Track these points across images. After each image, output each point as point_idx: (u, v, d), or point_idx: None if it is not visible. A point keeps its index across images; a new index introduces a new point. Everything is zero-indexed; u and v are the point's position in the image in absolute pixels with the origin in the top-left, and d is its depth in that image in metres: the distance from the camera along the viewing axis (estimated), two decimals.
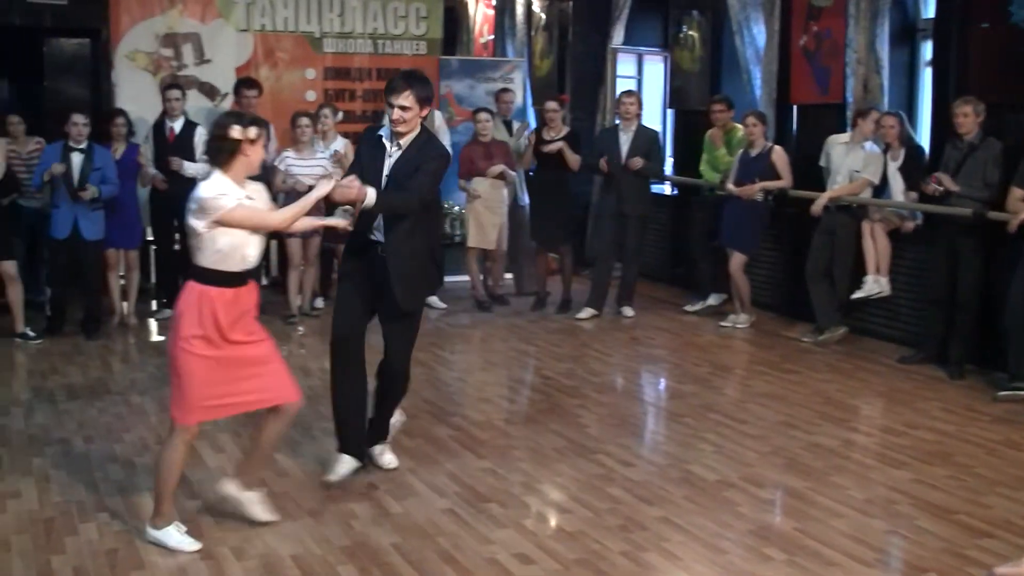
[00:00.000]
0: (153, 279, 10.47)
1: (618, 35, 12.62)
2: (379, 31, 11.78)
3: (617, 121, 10.37)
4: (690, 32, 11.96)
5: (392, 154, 5.67)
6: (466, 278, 10.87)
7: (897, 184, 8.75)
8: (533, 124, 12.11)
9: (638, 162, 9.88)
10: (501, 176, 10.36)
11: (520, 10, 13.71)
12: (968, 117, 7.83)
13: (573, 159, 10.15)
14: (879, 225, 8.78)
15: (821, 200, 8.96)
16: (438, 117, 10.70)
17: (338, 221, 5.55)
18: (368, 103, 11.44)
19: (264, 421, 5.13)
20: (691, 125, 11.90)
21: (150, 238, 10.28)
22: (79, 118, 8.99)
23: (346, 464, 5.81)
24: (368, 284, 5.75)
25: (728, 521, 5.29)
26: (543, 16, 13.76)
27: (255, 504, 5.22)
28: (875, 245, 8.76)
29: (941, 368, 8.20)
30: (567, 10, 13.24)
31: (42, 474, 5.91)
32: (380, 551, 4.91)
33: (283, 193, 9.25)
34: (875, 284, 8.77)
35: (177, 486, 5.11)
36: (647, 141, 10.08)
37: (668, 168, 12.33)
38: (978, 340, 8.10)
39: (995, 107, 7.93)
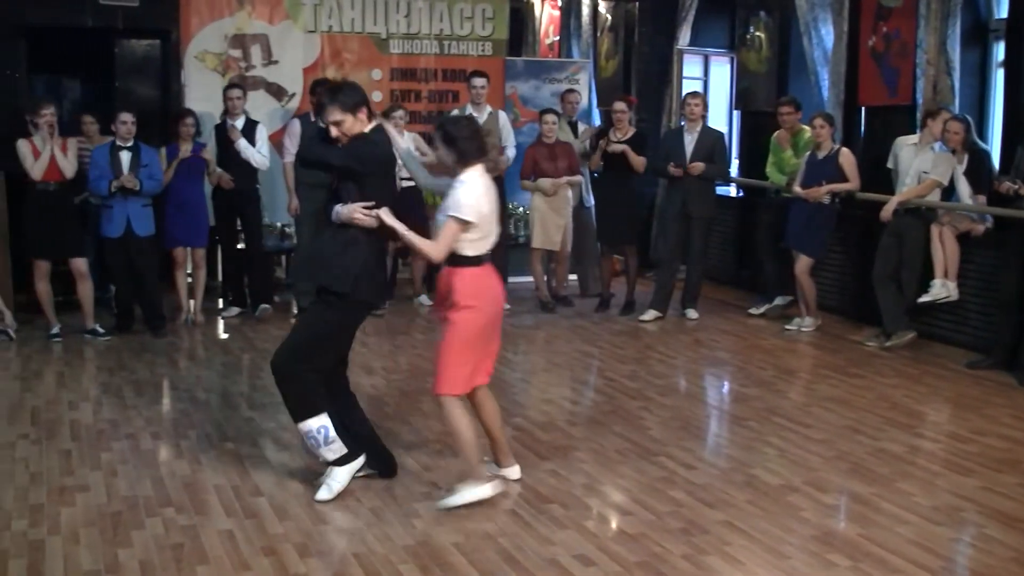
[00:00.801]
0: (219, 277, 10.58)
1: (684, 36, 12.58)
2: (445, 32, 11.82)
3: (682, 122, 10.33)
4: (757, 33, 11.87)
5: None
6: (530, 279, 10.89)
7: (964, 188, 8.63)
8: (596, 124, 12.10)
9: (699, 167, 9.83)
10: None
11: (586, 11, 13.70)
12: None
13: (638, 161, 10.13)
14: (948, 228, 8.66)
15: (890, 205, 8.86)
16: (502, 117, 10.72)
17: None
18: (433, 104, 11.49)
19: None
20: (758, 127, 11.82)
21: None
22: (126, 116, 9.13)
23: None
24: None
25: (791, 526, 5.25)
26: (609, 17, 13.74)
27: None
28: (944, 249, 8.64)
29: (1010, 374, 8.08)
30: (633, 11, 13.21)
31: (110, 468, 6.00)
32: (442, 551, 4.93)
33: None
34: (943, 288, 8.65)
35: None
36: (712, 142, 10.03)
37: (734, 170, 12.26)
38: None
39: None
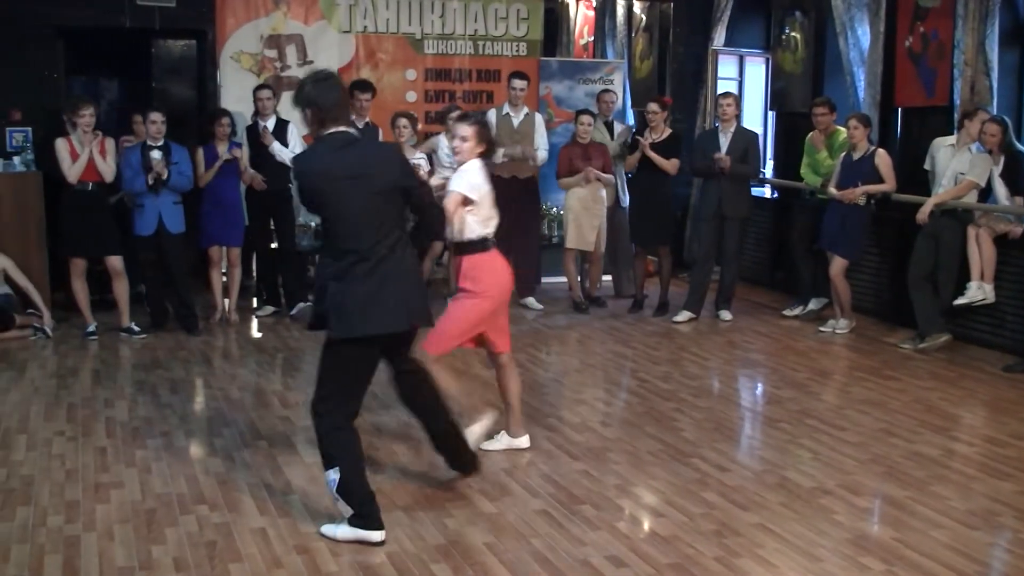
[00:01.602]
0: (254, 276, 10.64)
1: (719, 36, 12.53)
2: (479, 32, 11.83)
3: (717, 123, 10.30)
4: (793, 33, 11.82)
5: None
6: (564, 279, 10.88)
7: (1001, 190, 8.56)
8: (630, 123, 12.08)
9: (726, 160, 9.79)
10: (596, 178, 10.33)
11: (621, 11, 13.68)
12: None
13: (668, 163, 10.09)
14: (984, 230, 8.59)
15: (926, 207, 8.80)
16: (538, 119, 10.70)
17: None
18: (468, 104, 11.49)
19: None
20: (793, 127, 11.77)
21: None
22: (156, 116, 9.21)
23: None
24: None
25: (824, 529, 5.22)
26: (644, 17, 13.71)
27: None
28: (980, 251, 8.57)
29: None
30: (668, 11, 13.18)
31: (145, 466, 6.04)
32: (474, 550, 4.94)
33: None
34: (979, 290, 8.59)
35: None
36: (745, 142, 9.99)
37: (769, 171, 12.21)
38: None
39: None
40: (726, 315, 10.22)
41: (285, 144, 9.82)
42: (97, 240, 9.10)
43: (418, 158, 9.91)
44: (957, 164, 8.74)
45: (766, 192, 12.34)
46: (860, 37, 10.28)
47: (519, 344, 9.05)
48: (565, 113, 11.87)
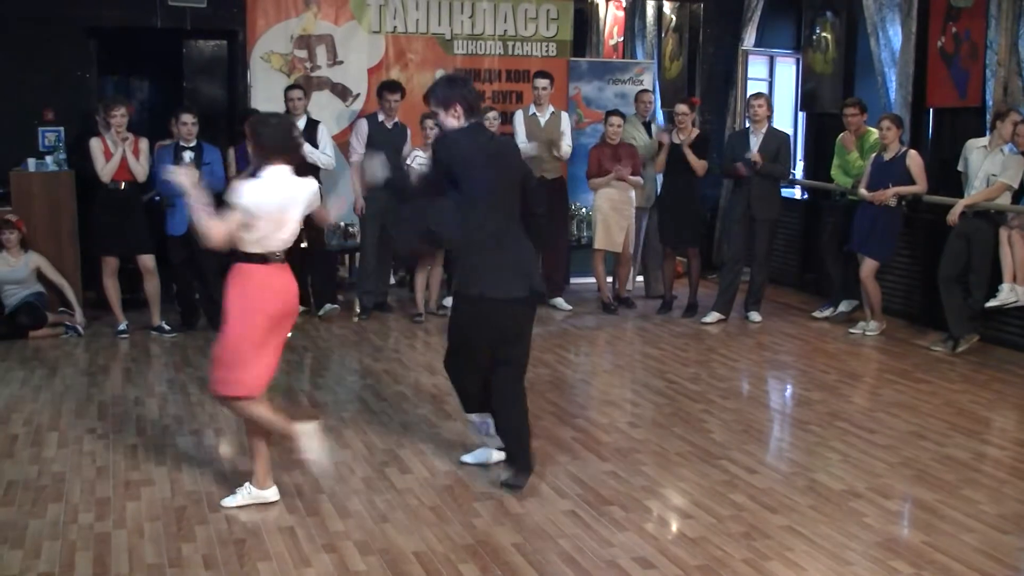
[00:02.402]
0: None
1: (750, 37, 12.50)
2: (509, 33, 11.83)
3: (747, 124, 10.26)
4: (824, 33, 11.78)
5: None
6: (593, 280, 10.88)
7: None
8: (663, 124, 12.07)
9: (757, 156, 9.76)
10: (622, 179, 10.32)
11: (650, 12, 13.65)
12: None
13: (698, 164, 10.07)
14: (1017, 232, 8.53)
15: (957, 208, 8.75)
16: (565, 118, 10.69)
17: None
18: (497, 104, 11.49)
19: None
20: (823, 128, 11.73)
21: None
22: (187, 117, 9.26)
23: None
24: None
25: (854, 532, 5.20)
26: (674, 18, 13.68)
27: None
28: (1012, 252, 8.52)
29: None
30: (698, 11, 13.15)
31: (175, 464, 6.08)
32: (501, 550, 4.94)
33: None
34: (1011, 293, 8.53)
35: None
36: (776, 143, 9.94)
37: (799, 172, 12.17)
38: None
39: None
40: (755, 316, 10.19)
41: (315, 145, 9.84)
42: (129, 239, 9.17)
43: None
44: (989, 166, 8.69)
45: (796, 193, 12.30)
46: (892, 37, 10.23)
47: (548, 344, 9.07)
48: (594, 114, 11.86)
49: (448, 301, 10.28)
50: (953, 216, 8.77)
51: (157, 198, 9.76)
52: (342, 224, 10.78)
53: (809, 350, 9.16)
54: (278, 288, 5.42)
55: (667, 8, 13.68)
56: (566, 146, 10.56)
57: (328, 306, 10.06)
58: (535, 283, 5.68)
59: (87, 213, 9.46)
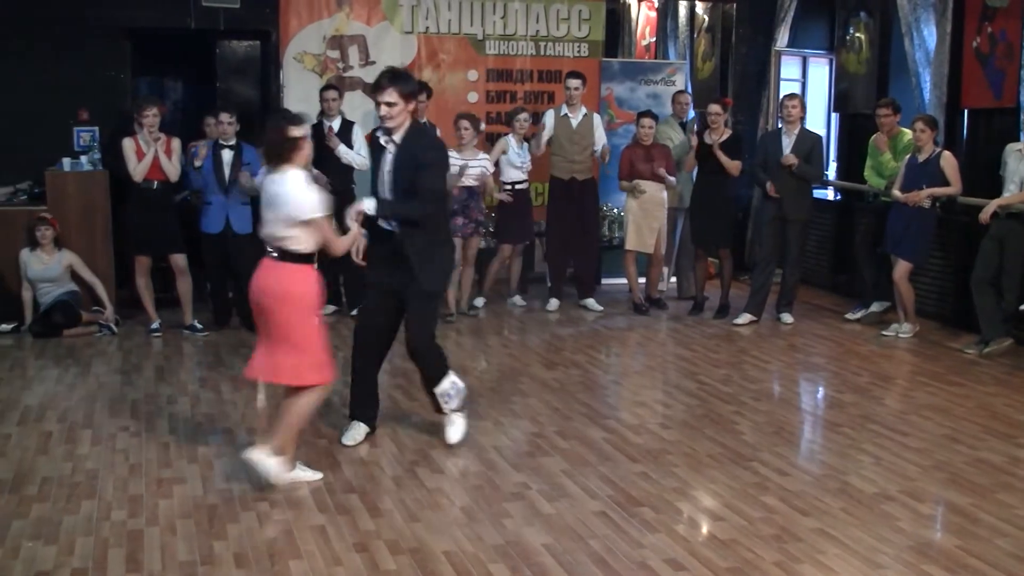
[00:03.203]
0: None
1: (782, 37, 12.45)
2: (541, 33, 11.83)
3: (780, 124, 10.22)
4: (857, 34, 11.71)
5: (390, 150, 6.19)
6: (624, 281, 10.86)
7: None
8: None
9: (791, 158, 9.72)
10: (659, 179, 10.30)
11: (683, 12, 13.61)
12: None
13: (731, 165, 10.04)
14: None
15: (990, 207, 8.67)
16: (596, 119, 10.68)
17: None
18: (529, 104, 11.49)
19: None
20: (857, 129, 11.66)
21: None
22: (225, 116, 9.30)
23: (358, 429, 6.48)
24: (391, 270, 6.26)
25: (886, 535, 5.17)
26: (706, 18, 13.64)
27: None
28: None
29: None
30: (731, 12, 13.10)
31: (207, 462, 6.11)
32: (532, 551, 4.94)
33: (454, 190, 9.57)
34: None
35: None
36: (809, 144, 9.90)
37: (832, 173, 12.11)
38: None
39: None
40: (787, 318, 10.15)
41: (350, 145, 9.86)
42: (161, 238, 9.22)
43: (481, 159, 9.95)
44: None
45: (829, 194, 12.24)
46: (926, 38, 10.16)
47: (579, 345, 9.07)
48: (626, 114, 11.85)
49: (480, 301, 10.34)
50: (985, 215, 8.70)
51: (188, 197, 9.83)
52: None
53: (841, 352, 9.11)
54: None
55: (699, 8, 13.64)
56: (603, 144, 10.55)
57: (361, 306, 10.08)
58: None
59: (121, 212, 9.53)
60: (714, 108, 10.19)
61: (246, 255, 9.42)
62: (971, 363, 8.68)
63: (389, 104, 6.06)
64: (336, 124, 9.95)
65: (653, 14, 14.61)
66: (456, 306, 10.11)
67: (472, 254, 10.11)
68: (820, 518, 5.37)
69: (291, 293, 5.59)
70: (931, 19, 10.10)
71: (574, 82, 10.43)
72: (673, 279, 11.56)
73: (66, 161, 9.92)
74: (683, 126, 11.07)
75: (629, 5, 14.81)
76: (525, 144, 10.43)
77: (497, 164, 10.26)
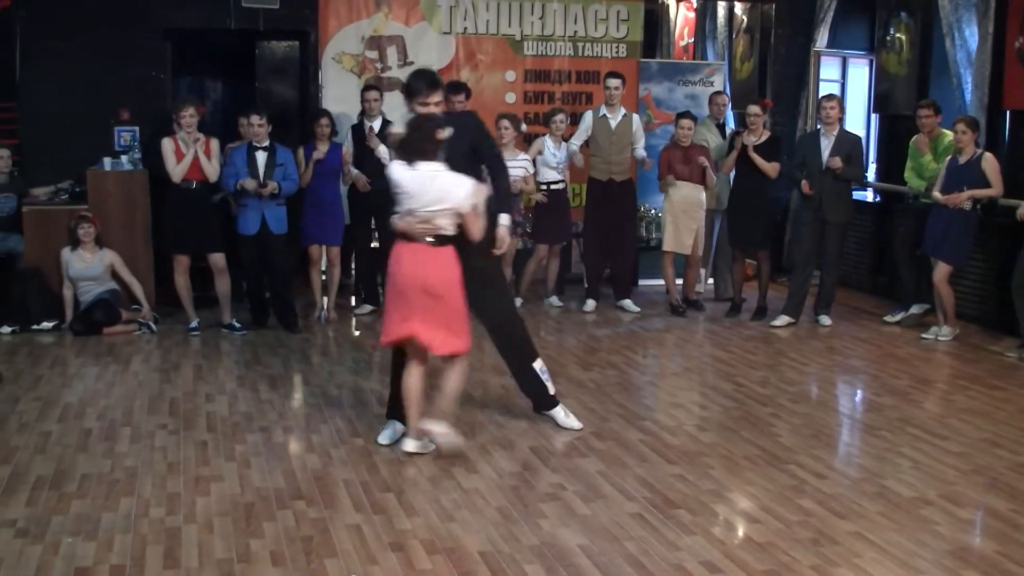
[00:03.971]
0: (352, 275, 10.74)
1: (822, 37, 12.38)
2: (579, 34, 11.82)
3: (819, 126, 10.16)
4: (898, 34, 11.63)
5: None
6: (661, 282, 10.83)
7: None
8: (731, 127, 11.98)
9: (837, 161, 9.66)
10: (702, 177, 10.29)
11: (721, 13, 13.57)
12: None
13: (769, 167, 9.99)
14: None
15: None
16: (635, 120, 10.65)
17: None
18: (567, 105, 11.48)
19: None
20: (897, 130, 11.58)
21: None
22: (255, 118, 9.31)
23: (394, 428, 6.52)
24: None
25: (925, 540, 5.13)
26: (745, 18, 13.58)
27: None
28: None
29: None
30: (770, 12, 13.04)
31: (244, 460, 6.14)
32: (567, 552, 4.93)
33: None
34: None
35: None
36: (849, 146, 9.84)
37: (871, 174, 12.03)
38: None
39: None
40: (825, 320, 10.09)
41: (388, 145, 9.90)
42: (200, 237, 9.27)
43: (521, 159, 9.97)
44: None
45: (868, 196, 12.16)
46: (968, 38, 10.07)
47: (615, 346, 9.07)
48: (664, 115, 11.82)
49: (517, 302, 10.33)
50: (1021, 213, 8.62)
51: (227, 197, 9.87)
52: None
53: (880, 355, 9.05)
54: None
55: (738, 9, 13.59)
56: (640, 151, 10.54)
57: None
58: None
59: (161, 212, 9.60)
60: (753, 109, 10.15)
61: (282, 256, 9.50)
62: (1012, 367, 8.60)
63: (437, 104, 6.40)
64: (377, 124, 9.97)
65: (692, 14, 14.58)
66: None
67: (510, 255, 10.10)
68: (857, 522, 5.34)
69: (457, 275, 6.10)
70: (973, 19, 10.02)
71: (614, 82, 10.41)
72: (710, 280, 11.53)
73: (107, 160, 10.00)
74: (720, 127, 11.02)
75: (668, 5, 14.78)
76: (563, 144, 10.43)
77: (533, 163, 10.27)
